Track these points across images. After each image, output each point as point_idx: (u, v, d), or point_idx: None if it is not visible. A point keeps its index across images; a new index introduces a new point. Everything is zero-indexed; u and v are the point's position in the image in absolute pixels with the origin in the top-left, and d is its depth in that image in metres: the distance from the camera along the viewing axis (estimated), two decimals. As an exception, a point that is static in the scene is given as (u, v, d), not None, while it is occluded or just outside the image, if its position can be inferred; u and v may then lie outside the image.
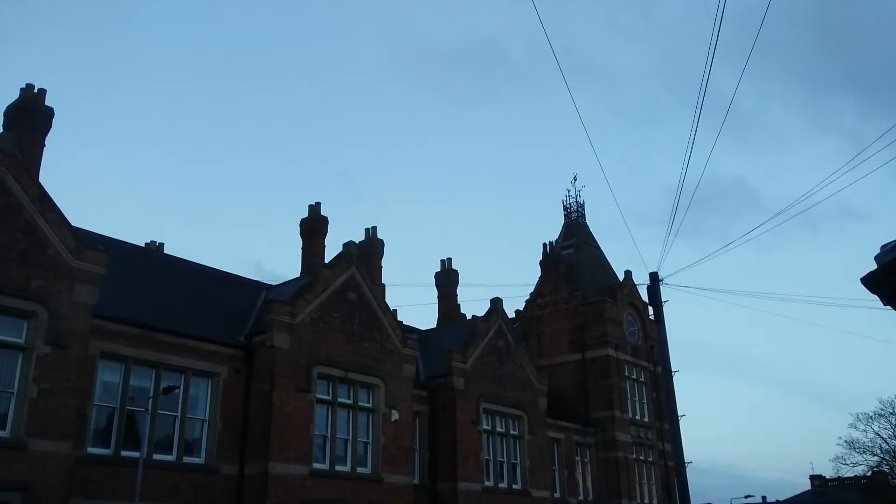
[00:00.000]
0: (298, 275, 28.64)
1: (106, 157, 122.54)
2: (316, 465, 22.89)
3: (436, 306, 38.27)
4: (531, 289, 43.74)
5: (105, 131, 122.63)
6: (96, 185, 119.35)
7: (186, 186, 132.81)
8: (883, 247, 5.90)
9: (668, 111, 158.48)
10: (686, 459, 20.50)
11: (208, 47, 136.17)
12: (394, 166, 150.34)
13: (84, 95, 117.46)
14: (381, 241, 31.78)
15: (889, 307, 6.02)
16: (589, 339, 39.54)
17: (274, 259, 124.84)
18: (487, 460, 29.73)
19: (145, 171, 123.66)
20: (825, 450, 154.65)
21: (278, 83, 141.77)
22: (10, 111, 21.64)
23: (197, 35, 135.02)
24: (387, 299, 27.73)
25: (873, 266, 5.88)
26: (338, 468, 23.60)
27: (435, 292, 38.41)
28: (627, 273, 43.01)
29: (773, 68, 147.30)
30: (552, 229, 48.40)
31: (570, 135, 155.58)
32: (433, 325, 37.25)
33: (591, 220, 47.28)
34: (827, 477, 77.85)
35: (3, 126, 21.13)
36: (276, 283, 29.06)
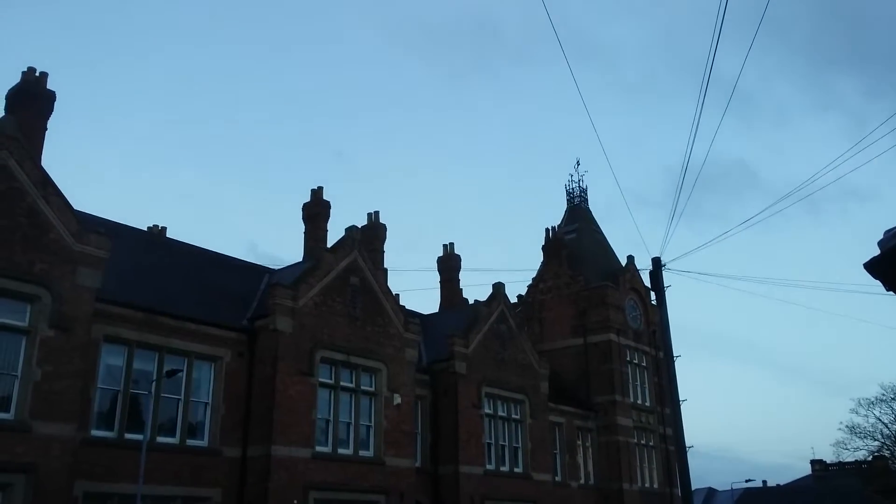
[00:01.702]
0: (300, 258, 28.65)
1: (101, 140, 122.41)
2: (318, 448, 23.00)
3: (438, 291, 38.34)
4: (533, 273, 43.78)
5: (96, 113, 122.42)
6: (95, 169, 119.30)
7: (181, 169, 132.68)
8: (886, 232, 5.87)
9: (666, 87, 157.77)
10: (687, 444, 20.57)
11: (195, 30, 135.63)
12: (391, 149, 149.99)
13: (80, 82, 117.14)
14: (384, 225, 31.73)
15: (892, 293, 6.00)
16: (591, 324, 39.56)
17: (269, 240, 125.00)
18: (489, 444, 29.85)
19: (140, 156, 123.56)
20: (826, 434, 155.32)
21: (268, 61, 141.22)
22: (11, 95, 21.55)
23: (185, 17, 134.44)
24: (389, 284, 27.74)
25: (876, 249, 5.86)
26: (340, 451, 23.71)
27: (437, 277, 38.46)
28: (630, 258, 43.00)
29: (774, 43, 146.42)
30: (555, 214, 48.34)
31: (567, 112, 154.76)
32: (435, 309, 37.31)
33: (590, 201, 47.06)
34: (828, 461, 78.17)
35: (5, 110, 21.07)
36: (273, 264, 29.10)
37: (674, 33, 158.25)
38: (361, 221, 30.59)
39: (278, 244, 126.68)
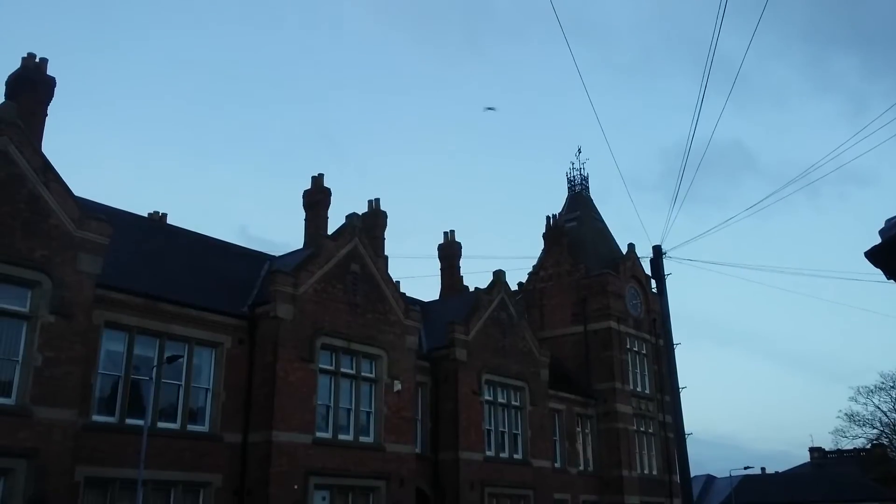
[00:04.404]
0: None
1: (99, 125, 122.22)
2: (319, 434, 23.08)
3: (438, 278, 38.37)
4: (534, 261, 43.80)
5: (93, 99, 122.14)
6: (95, 155, 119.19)
7: (172, 153, 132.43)
8: (888, 221, 5.87)
9: (660, 66, 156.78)
10: (686, 431, 20.63)
11: (184, 16, 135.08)
12: (386, 132, 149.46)
13: (74, 68, 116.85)
14: (384, 212, 31.74)
15: (893, 281, 6.00)
16: (591, 312, 39.60)
17: (260, 224, 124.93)
18: (489, 430, 29.96)
19: (137, 141, 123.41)
20: (825, 422, 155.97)
21: (255, 43, 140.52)
22: (11, 81, 21.51)
23: (175, 2, 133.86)
24: (389, 271, 27.75)
25: (876, 236, 5.86)
26: (341, 437, 23.80)
27: (437, 264, 38.48)
28: (630, 246, 43.01)
29: (773, 22, 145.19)
30: (556, 200, 48.27)
31: (559, 93, 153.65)
32: (436, 296, 37.36)
33: (589, 187, 46.81)
34: (826, 449, 78.55)
35: (5, 96, 21.03)
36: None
37: (666, 10, 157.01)
38: (355, 205, 30.74)
39: (269, 228, 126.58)
